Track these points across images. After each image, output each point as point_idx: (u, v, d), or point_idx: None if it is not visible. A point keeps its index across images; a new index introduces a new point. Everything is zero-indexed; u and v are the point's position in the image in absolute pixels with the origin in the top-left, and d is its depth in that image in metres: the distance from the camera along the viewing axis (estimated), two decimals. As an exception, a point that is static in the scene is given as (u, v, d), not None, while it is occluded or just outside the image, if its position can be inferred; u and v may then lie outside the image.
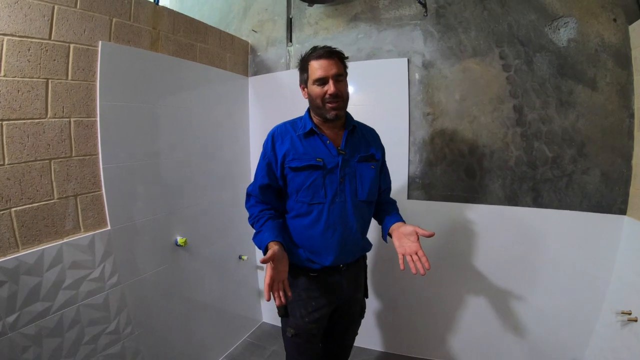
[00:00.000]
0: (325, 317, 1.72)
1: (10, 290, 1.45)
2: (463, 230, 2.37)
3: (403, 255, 1.48)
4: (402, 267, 1.45)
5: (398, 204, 1.87)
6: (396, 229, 1.59)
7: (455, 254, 2.41)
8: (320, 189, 1.57)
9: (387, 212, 1.76)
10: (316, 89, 1.54)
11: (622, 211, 1.97)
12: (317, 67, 1.53)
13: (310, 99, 1.59)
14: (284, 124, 1.68)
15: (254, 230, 1.59)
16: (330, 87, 1.51)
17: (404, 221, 1.66)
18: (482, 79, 2.26)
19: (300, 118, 1.68)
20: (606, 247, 1.99)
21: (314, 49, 1.57)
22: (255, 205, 1.65)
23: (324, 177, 1.57)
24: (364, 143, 1.71)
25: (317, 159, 1.57)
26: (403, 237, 1.53)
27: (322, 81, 1.53)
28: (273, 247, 1.40)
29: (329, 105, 1.53)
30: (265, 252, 1.43)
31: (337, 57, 1.55)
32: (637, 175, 1.89)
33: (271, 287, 1.34)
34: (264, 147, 1.65)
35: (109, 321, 1.84)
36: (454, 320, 2.48)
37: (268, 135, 1.65)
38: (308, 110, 1.67)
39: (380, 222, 1.78)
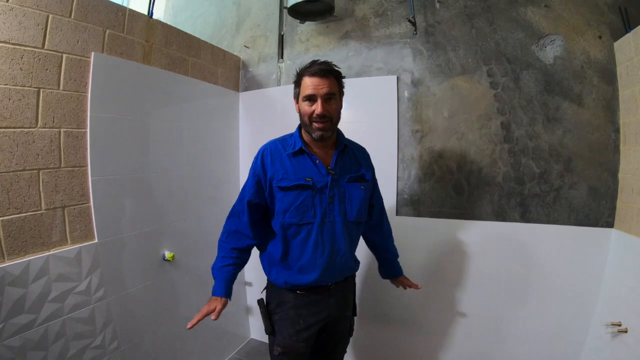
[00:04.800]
0: (313, 336, 1.69)
1: (-5, 301, 1.41)
2: (452, 246, 2.37)
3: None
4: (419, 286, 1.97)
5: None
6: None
7: (445, 270, 2.40)
8: (309, 208, 1.55)
9: (390, 266, 2.02)
10: (305, 106, 1.52)
11: (610, 224, 1.99)
12: (308, 84, 1.50)
13: (300, 114, 1.58)
14: (274, 142, 1.64)
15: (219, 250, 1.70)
16: (317, 107, 1.48)
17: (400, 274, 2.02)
18: (470, 96, 2.30)
19: (291, 135, 1.65)
20: (595, 260, 2.00)
21: (312, 63, 1.53)
22: (234, 234, 1.67)
23: (313, 197, 1.55)
24: (355, 163, 1.69)
25: (307, 179, 1.55)
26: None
27: (311, 99, 1.50)
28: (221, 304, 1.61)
29: (315, 124, 1.51)
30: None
31: (332, 76, 1.52)
32: (624, 188, 1.92)
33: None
34: (254, 164, 1.62)
35: (95, 335, 1.80)
36: (444, 337, 2.46)
37: (258, 153, 1.62)
38: (299, 127, 1.64)
39: (382, 267, 2.03)
